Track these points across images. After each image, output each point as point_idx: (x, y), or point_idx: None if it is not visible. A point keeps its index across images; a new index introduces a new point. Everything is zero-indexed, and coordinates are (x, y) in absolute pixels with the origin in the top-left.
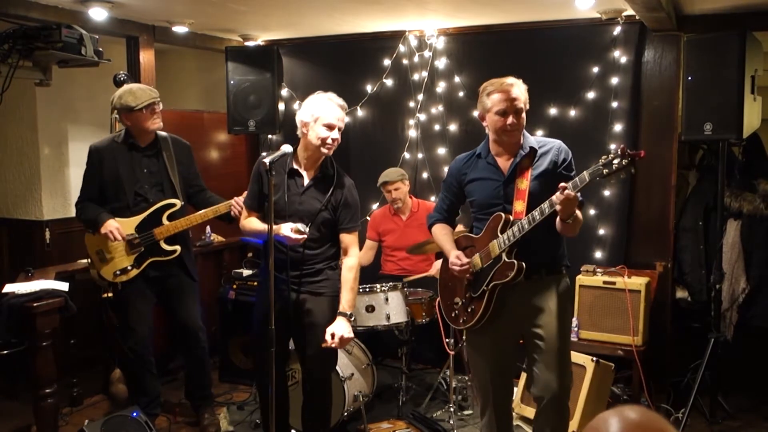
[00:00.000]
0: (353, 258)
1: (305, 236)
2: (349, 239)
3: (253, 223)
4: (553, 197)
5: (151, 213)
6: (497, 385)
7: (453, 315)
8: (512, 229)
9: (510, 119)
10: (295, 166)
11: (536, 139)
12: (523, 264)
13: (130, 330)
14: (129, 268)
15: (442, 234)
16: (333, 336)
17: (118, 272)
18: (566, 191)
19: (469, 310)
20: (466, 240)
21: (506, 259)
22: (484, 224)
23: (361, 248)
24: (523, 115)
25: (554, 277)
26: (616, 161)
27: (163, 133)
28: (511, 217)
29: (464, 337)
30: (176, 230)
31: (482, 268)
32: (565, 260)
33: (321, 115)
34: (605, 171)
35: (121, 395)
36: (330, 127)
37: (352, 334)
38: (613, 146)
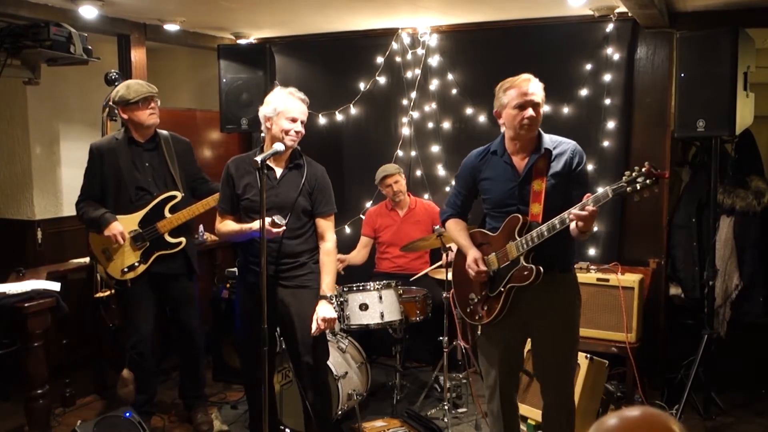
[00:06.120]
0: (330, 242)
1: (283, 227)
2: (324, 224)
3: (228, 226)
4: (574, 210)
5: (152, 207)
6: (505, 374)
7: (468, 311)
8: (531, 234)
9: (528, 112)
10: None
11: (551, 138)
12: (541, 268)
13: (134, 328)
14: (136, 264)
15: (457, 230)
16: (318, 321)
17: (125, 269)
18: (588, 207)
19: (485, 308)
20: (481, 236)
21: (524, 263)
22: (498, 222)
23: (354, 247)
24: (541, 110)
25: (566, 275)
26: (640, 179)
27: (163, 132)
28: (529, 219)
29: (479, 332)
30: (179, 222)
31: (499, 269)
32: (575, 257)
33: (283, 108)
34: (628, 189)
35: (129, 397)
36: (293, 120)
37: (335, 314)
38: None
